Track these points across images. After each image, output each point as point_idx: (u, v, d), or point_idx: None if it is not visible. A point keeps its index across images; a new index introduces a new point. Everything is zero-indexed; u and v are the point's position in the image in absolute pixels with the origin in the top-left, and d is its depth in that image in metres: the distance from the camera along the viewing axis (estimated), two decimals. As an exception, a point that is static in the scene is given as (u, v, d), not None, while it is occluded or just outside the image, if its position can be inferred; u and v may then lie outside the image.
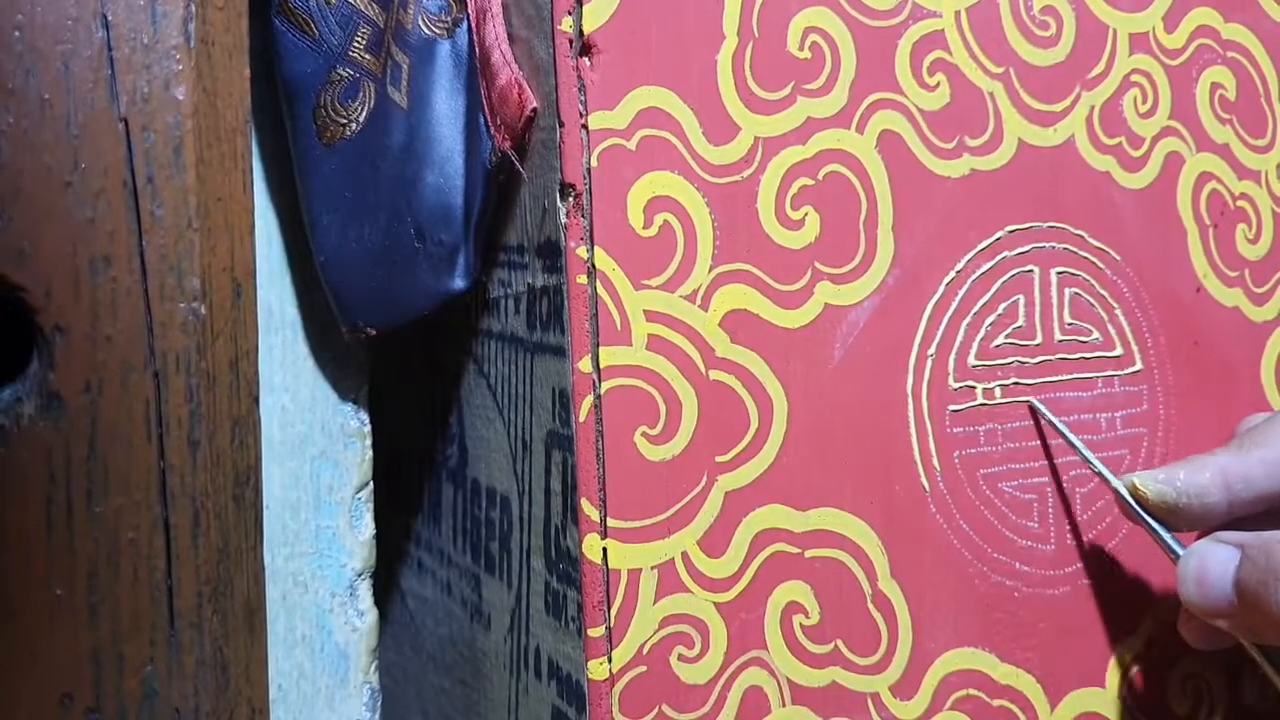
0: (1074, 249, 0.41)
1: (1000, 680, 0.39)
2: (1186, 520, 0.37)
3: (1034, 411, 0.40)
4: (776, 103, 0.36)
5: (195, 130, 0.33)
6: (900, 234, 0.38)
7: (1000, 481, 0.39)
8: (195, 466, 0.33)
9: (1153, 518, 0.37)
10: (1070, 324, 0.41)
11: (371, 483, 0.44)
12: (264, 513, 0.37)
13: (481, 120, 0.38)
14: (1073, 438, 0.39)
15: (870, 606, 0.37)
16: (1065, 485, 0.40)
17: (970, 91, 0.39)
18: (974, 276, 0.39)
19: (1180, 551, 0.36)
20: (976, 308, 0.39)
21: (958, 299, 0.39)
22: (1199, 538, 0.38)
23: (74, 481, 0.31)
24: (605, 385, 0.34)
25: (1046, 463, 0.40)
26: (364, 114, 0.39)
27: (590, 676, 0.33)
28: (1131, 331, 0.42)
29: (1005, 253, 0.40)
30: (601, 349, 0.34)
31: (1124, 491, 0.38)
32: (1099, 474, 0.39)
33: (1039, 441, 0.40)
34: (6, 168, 0.31)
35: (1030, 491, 0.40)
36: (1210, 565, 0.35)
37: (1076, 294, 0.41)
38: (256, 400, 0.36)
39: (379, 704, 0.44)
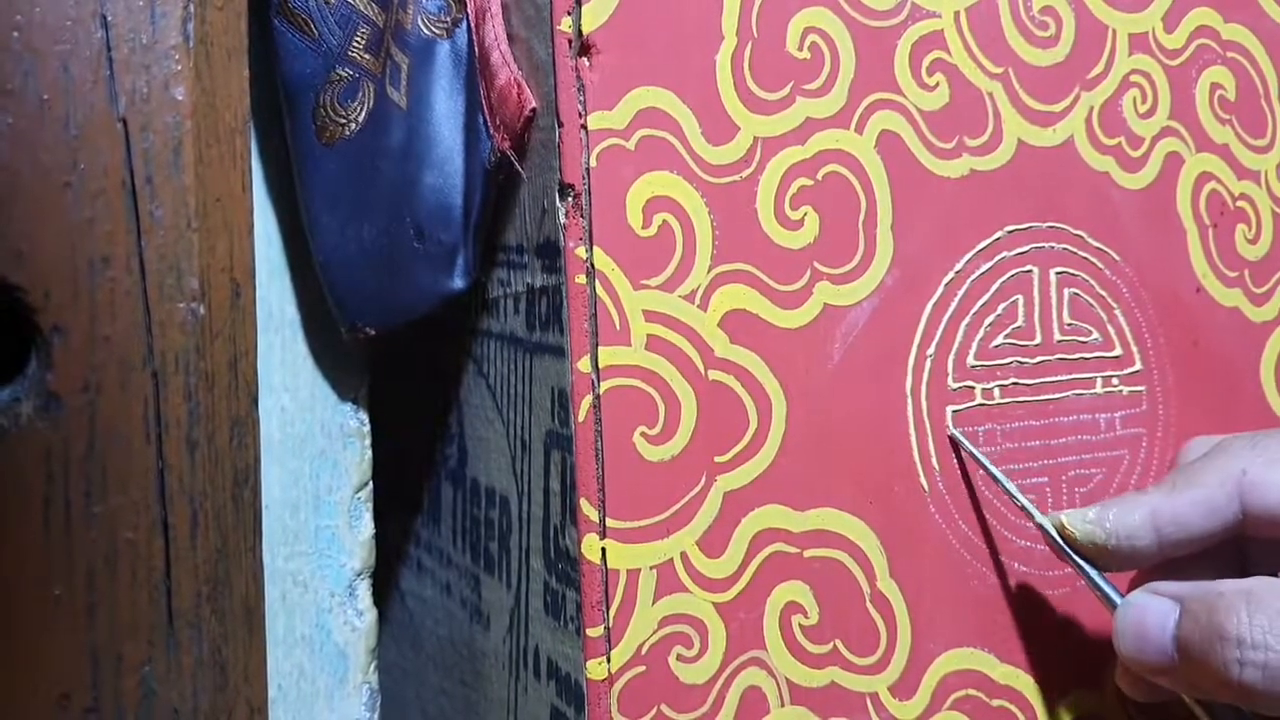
0: (1073, 249, 0.41)
1: (999, 680, 0.39)
2: (1116, 561, 0.35)
3: (955, 444, 0.38)
4: (775, 103, 0.36)
5: (194, 130, 0.33)
6: (899, 234, 0.38)
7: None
8: (194, 466, 0.33)
9: (1083, 559, 0.35)
10: (1069, 324, 0.41)
11: (371, 483, 0.44)
12: (263, 513, 0.37)
13: (481, 120, 0.38)
14: (995, 471, 0.38)
15: (869, 606, 0.37)
16: (1065, 485, 0.40)
17: (969, 92, 0.39)
18: (973, 277, 0.39)
19: (1117, 600, 0.34)
20: (976, 308, 0.39)
21: (957, 299, 0.39)
22: (1132, 579, 0.37)
23: (72, 481, 0.31)
24: (604, 385, 0.34)
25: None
26: (363, 114, 0.39)
27: (589, 676, 0.33)
28: (1131, 332, 0.42)
29: (1004, 253, 0.40)
30: (600, 349, 0.34)
31: (1051, 530, 0.36)
32: (1023, 509, 0.37)
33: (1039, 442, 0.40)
34: (5, 168, 0.31)
35: (1029, 492, 0.40)
36: (1149, 619, 0.33)
37: (1076, 294, 0.41)
38: (255, 400, 0.36)
39: (378, 704, 0.44)
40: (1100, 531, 0.35)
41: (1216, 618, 0.31)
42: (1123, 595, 0.35)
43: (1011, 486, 0.38)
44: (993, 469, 0.38)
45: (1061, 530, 0.36)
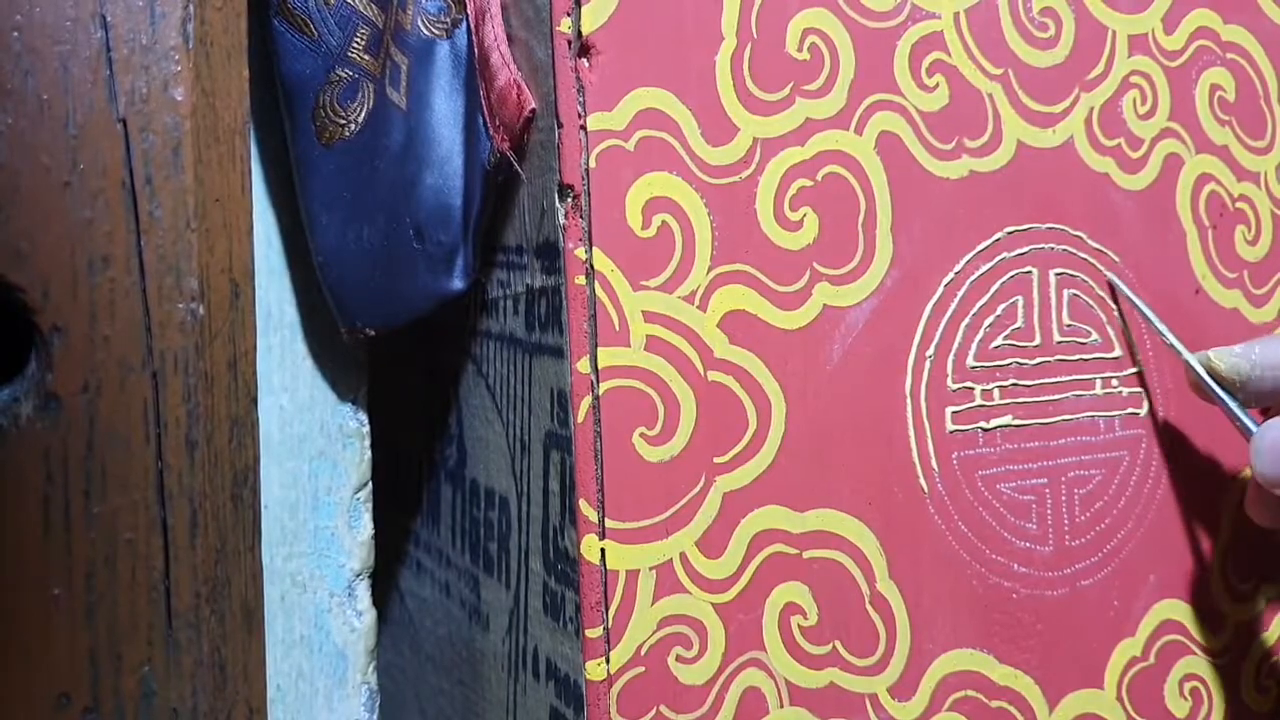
0: (1073, 250, 0.41)
1: (999, 681, 0.39)
2: (1257, 395, 0.38)
3: (1112, 287, 0.41)
4: (775, 104, 0.36)
5: (194, 131, 0.33)
6: (899, 235, 0.38)
7: (999, 483, 0.39)
8: (193, 467, 0.33)
9: (1225, 392, 0.38)
10: (1069, 325, 0.41)
11: (370, 483, 0.44)
12: (262, 513, 0.37)
13: (480, 121, 0.38)
14: (1149, 313, 0.40)
15: (868, 607, 0.37)
16: (1064, 486, 0.40)
17: (969, 93, 0.39)
18: (973, 278, 0.39)
19: (1254, 428, 0.37)
20: (975, 309, 0.39)
21: (956, 300, 0.39)
22: (1266, 416, 0.39)
23: (72, 482, 0.31)
24: (604, 386, 0.34)
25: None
26: (363, 114, 0.39)
27: (588, 677, 0.33)
28: (1130, 333, 0.42)
29: (1004, 254, 0.40)
30: (600, 350, 0.34)
31: (1197, 366, 0.39)
32: (1173, 347, 0.40)
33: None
34: (5, 168, 0.31)
35: (1028, 493, 0.40)
36: None
37: (1075, 295, 0.41)
38: (255, 400, 0.36)
39: (377, 705, 0.44)
40: (1245, 364, 0.38)
41: None
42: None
43: (1162, 327, 0.40)
44: (1148, 312, 0.41)
45: (1208, 365, 0.39)
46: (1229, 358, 0.38)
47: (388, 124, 0.39)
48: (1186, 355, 0.39)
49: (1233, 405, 0.38)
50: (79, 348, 0.32)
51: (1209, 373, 0.38)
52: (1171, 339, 0.40)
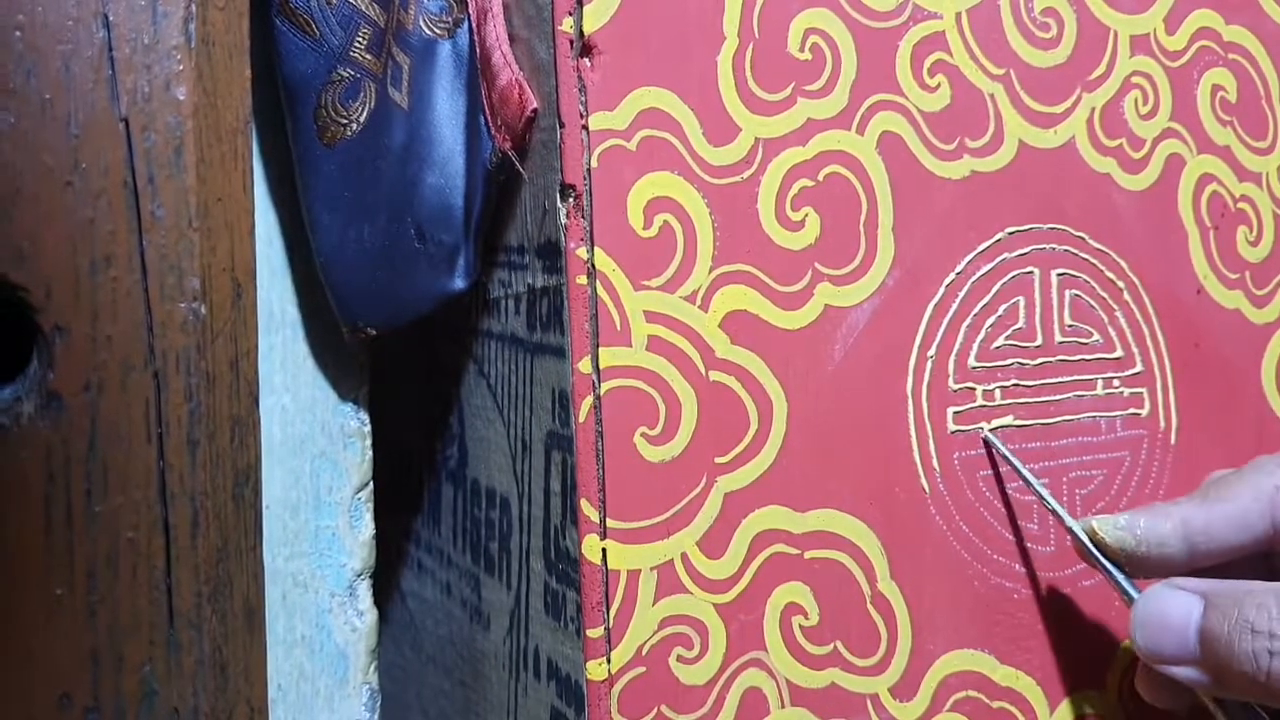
0: (1074, 251, 0.41)
1: (1000, 682, 0.39)
2: (1144, 568, 0.36)
3: (988, 445, 0.39)
4: (777, 104, 0.36)
5: (196, 130, 0.33)
6: (900, 235, 0.38)
7: (1000, 483, 0.39)
8: (195, 466, 0.33)
9: (1109, 560, 0.36)
10: (1070, 326, 0.41)
11: (371, 483, 0.44)
12: (264, 513, 0.37)
13: (482, 121, 0.38)
14: (1027, 473, 0.38)
15: (870, 608, 0.37)
16: (1066, 486, 0.40)
17: (971, 93, 0.39)
18: (974, 278, 0.39)
19: (1135, 595, 0.35)
20: (977, 309, 0.39)
21: (958, 300, 0.39)
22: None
23: (73, 481, 0.31)
24: (605, 386, 0.34)
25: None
26: (364, 114, 0.39)
27: (589, 677, 0.33)
28: (1132, 334, 0.42)
29: (1005, 254, 0.40)
30: (601, 350, 0.34)
31: (1081, 535, 0.37)
32: (1054, 513, 0.38)
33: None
34: (7, 167, 0.31)
35: (1030, 493, 0.40)
36: (1171, 611, 0.34)
37: (1077, 296, 0.41)
38: (256, 400, 0.36)
39: (378, 705, 0.44)
40: (1130, 538, 0.36)
41: (1245, 612, 0.32)
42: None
43: (1044, 490, 0.38)
44: (1025, 471, 0.38)
45: (1093, 535, 0.37)
46: (1114, 530, 0.36)
47: (389, 124, 0.39)
48: (1070, 522, 0.37)
49: (1116, 574, 0.36)
50: (81, 347, 0.32)
51: (1093, 541, 0.37)
52: (1054, 504, 0.38)
